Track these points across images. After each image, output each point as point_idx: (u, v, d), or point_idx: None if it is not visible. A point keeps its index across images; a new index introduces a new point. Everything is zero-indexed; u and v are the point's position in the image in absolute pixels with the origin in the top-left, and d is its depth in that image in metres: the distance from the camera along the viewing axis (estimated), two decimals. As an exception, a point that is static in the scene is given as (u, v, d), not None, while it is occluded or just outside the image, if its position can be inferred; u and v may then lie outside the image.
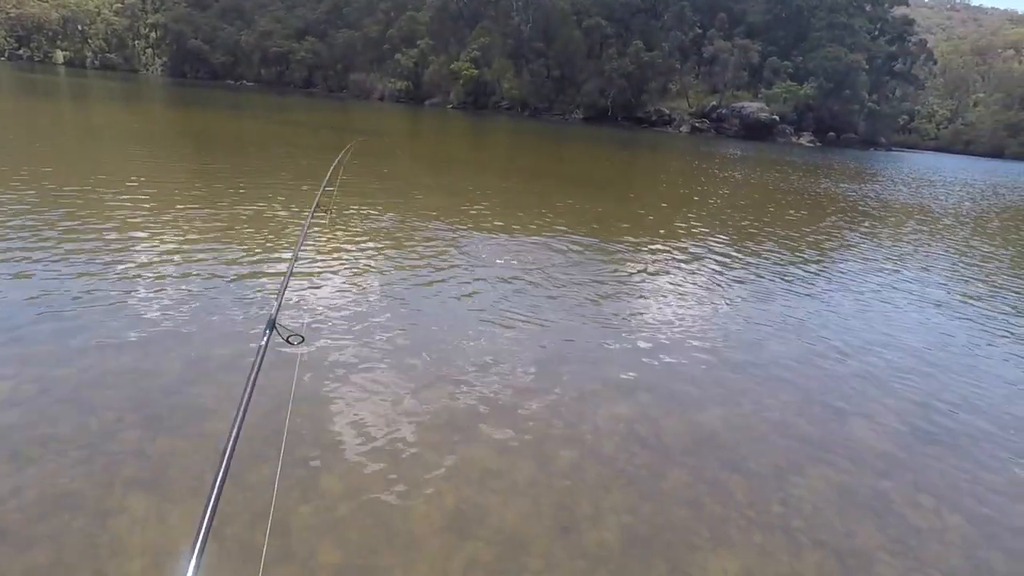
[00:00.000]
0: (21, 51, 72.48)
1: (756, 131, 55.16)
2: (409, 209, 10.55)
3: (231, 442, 1.69)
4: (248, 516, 2.99)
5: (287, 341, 2.43)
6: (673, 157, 31.26)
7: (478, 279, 7.05)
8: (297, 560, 2.80)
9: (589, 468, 3.73)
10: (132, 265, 6.38)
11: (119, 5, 74.86)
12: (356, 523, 3.07)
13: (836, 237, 12.79)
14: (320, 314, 5.55)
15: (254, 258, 7.01)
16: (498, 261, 7.90)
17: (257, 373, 2.01)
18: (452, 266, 7.48)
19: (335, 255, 7.41)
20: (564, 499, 3.43)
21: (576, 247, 8.99)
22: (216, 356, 4.60)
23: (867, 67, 63.89)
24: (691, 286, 7.75)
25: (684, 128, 55.41)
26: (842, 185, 24.52)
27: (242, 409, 1.81)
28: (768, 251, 10.23)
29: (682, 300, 7.15)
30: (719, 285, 7.91)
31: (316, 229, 8.32)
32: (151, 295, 5.65)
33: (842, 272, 9.58)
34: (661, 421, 4.38)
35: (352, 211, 9.86)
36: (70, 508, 2.95)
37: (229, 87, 62.75)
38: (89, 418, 3.65)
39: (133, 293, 5.64)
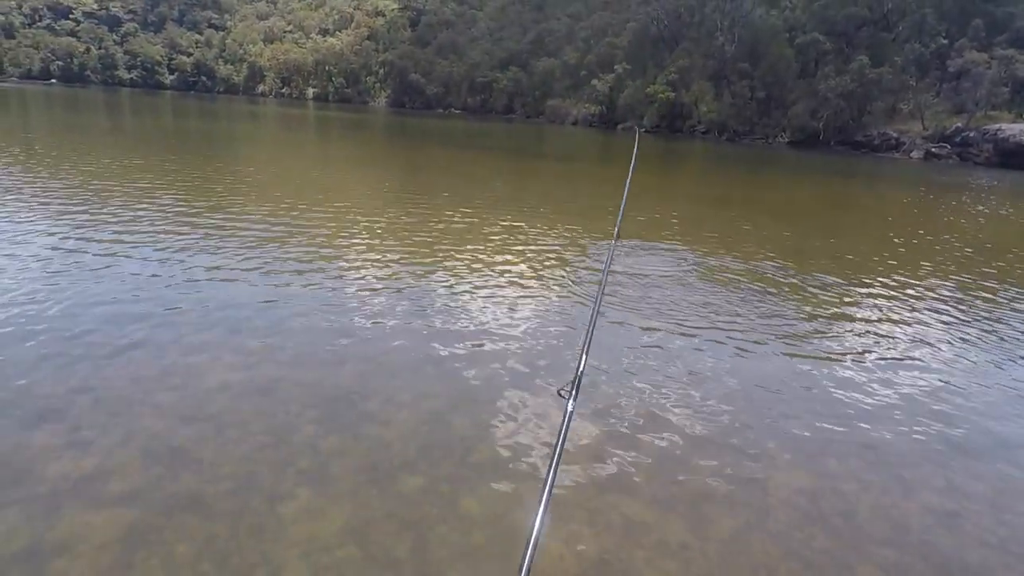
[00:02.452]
0: (284, 90, 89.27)
1: (1016, 157, 45.37)
2: (593, 232, 10.49)
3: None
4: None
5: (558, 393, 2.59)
6: (898, 186, 27.05)
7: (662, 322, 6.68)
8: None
9: (754, 542, 3.22)
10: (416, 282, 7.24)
11: (357, 47, 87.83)
12: (496, 552, 3.00)
13: None
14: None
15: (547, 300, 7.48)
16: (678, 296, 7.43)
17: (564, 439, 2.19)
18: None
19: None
20: (718, 571, 3.00)
21: (771, 285, 8.10)
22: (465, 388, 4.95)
23: None
24: (910, 340, 6.47)
25: (916, 154, 47.65)
26: None
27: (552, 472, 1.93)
28: (1019, 305, 8.19)
29: (895, 355, 5.98)
30: (949, 342, 6.49)
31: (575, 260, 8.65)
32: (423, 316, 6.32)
33: None
34: (853, 499, 3.65)
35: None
36: (249, 486, 3.33)
37: (439, 115, 69.68)
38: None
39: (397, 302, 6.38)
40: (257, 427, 3.87)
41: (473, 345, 5.36)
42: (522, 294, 6.90)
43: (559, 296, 6.94)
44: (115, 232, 8.21)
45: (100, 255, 7.17)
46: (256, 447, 3.66)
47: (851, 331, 6.62)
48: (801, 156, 40.25)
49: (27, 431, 3.67)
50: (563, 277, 7.68)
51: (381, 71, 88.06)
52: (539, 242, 9.53)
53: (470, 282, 7.17)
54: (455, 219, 10.77)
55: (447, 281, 7.15)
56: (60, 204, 9.73)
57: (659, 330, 6.06)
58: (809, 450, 4.14)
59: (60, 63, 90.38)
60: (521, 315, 6.21)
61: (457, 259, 8.14)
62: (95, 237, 7.90)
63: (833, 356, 5.85)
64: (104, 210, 9.53)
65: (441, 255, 8.28)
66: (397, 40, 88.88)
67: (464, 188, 15.87)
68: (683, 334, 6.01)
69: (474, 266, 7.86)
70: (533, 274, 7.73)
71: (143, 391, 4.22)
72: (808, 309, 7.19)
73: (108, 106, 43.36)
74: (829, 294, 7.85)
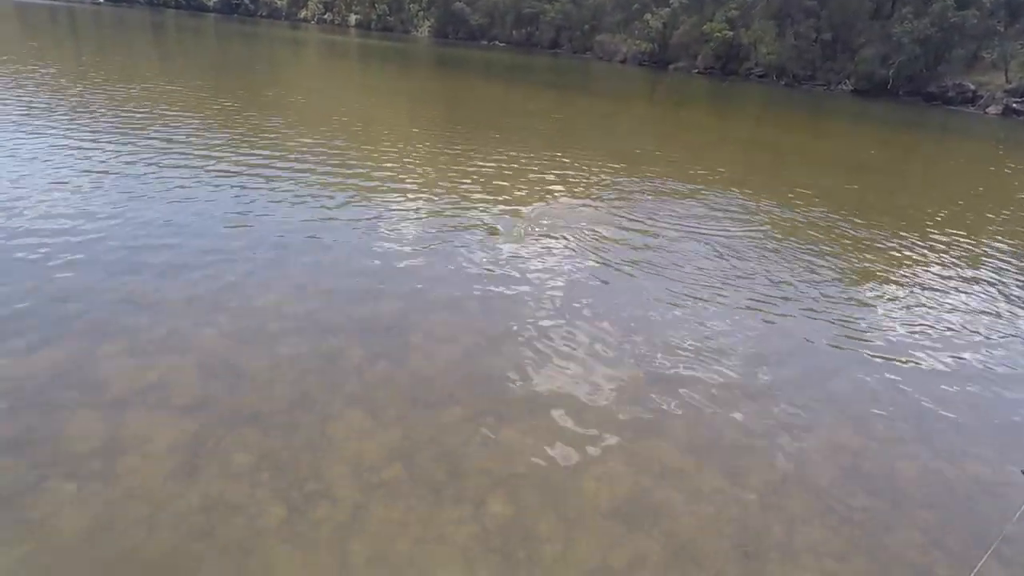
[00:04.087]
0: (327, 15, 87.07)
1: (1108, 116, 41.55)
2: (638, 174, 10.20)
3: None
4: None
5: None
6: (972, 143, 25.32)
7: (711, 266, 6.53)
8: (470, 504, 2.93)
9: (791, 495, 3.24)
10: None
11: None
12: (532, 483, 3.10)
13: None
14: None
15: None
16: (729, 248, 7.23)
17: None
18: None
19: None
20: (753, 520, 3.04)
21: (828, 240, 7.80)
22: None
23: None
24: (967, 300, 6.20)
25: (993, 109, 44.00)
26: None
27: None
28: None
29: (951, 316, 5.76)
30: (1011, 303, 6.19)
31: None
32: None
33: None
34: (897, 463, 3.61)
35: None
36: (302, 405, 3.49)
37: (482, 47, 67.48)
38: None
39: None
40: (307, 351, 4.01)
41: (512, 285, 5.37)
42: (561, 239, 6.81)
43: (598, 240, 6.83)
44: (168, 157, 8.36)
45: (152, 180, 7.34)
46: (307, 370, 3.81)
47: (910, 294, 6.37)
48: (867, 105, 37.82)
49: (94, 342, 3.88)
50: (604, 222, 7.54)
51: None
52: (584, 184, 9.33)
53: (510, 223, 7.11)
54: (498, 159, 10.59)
55: (487, 221, 7.10)
56: (117, 127, 9.91)
57: (698, 287, 5.95)
58: (855, 411, 4.08)
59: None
60: (558, 257, 6.16)
61: (498, 200, 8.06)
62: (150, 161, 8.06)
63: (889, 318, 5.67)
64: (157, 136, 9.68)
65: (483, 194, 8.20)
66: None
67: (510, 126, 15.52)
68: (726, 292, 5.89)
69: (515, 207, 7.77)
70: (577, 218, 7.60)
71: (199, 311, 4.39)
72: (862, 267, 6.92)
73: (154, 27, 43.33)
74: (886, 254, 7.53)
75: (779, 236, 7.68)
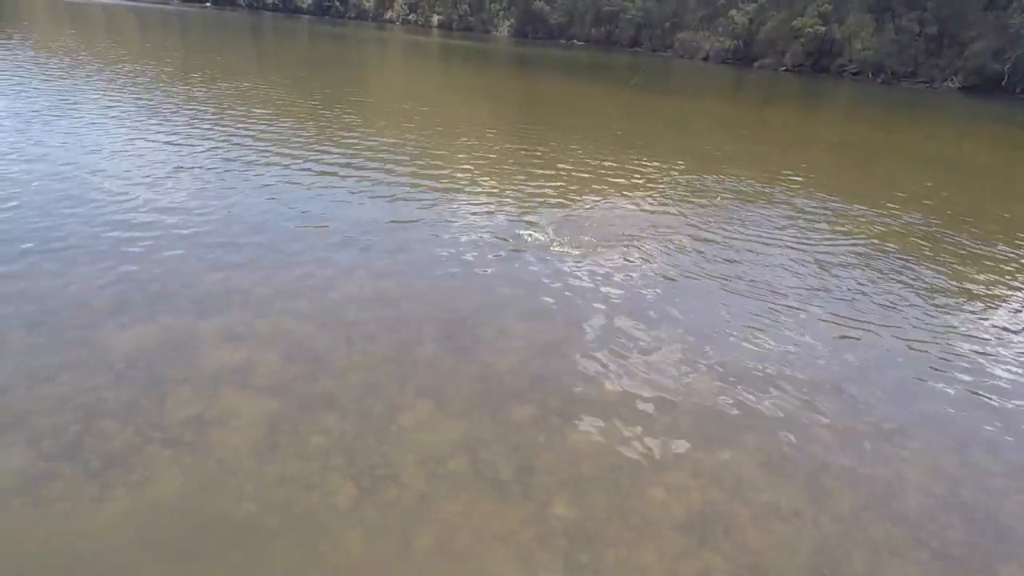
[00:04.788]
0: (411, 16, 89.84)
1: None
2: (716, 175, 9.85)
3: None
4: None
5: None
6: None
7: (799, 275, 6.23)
8: (534, 503, 2.92)
9: (876, 522, 3.03)
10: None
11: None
12: (598, 486, 3.06)
13: None
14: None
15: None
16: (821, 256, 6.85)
17: None
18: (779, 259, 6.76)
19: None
20: (831, 545, 2.86)
21: (929, 246, 7.23)
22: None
23: None
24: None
25: None
26: None
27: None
28: None
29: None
30: None
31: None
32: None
33: None
34: (1003, 498, 3.29)
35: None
36: (374, 394, 3.60)
37: (562, 46, 67.26)
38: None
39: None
40: (383, 340, 4.14)
41: (584, 288, 5.31)
42: (634, 244, 6.67)
43: (672, 245, 6.63)
44: (258, 151, 8.88)
45: (242, 172, 7.82)
46: (381, 359, 3.93)
47: (1015, 310, 5.79)
48: (978, 103, 34.69)
49: (194, 321, 4.18)
50: (679, 223, 7.33)
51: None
52: (659, 186, 9.11)
53: (582, 226, 7.04)
54: (573, 160, 10.52)
55: (560, 223, 7.06)
56: (210, 122, 10.64)
57: (772, 295, 5.66)
58: (954, 434, 3.76)
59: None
60: (632, 262, 6.04)
61: (573, 201, 8.00)
62: (240, 156, 8.60)
63: (994, 336, 5.18)
64: (248, 130, 10.30)
65: (558, 196, 8.17)
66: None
67: (586, 126, 15.39)
68: (808, 303, 5.57)
69: (588, 210, 7.69)
70: (650, 222, 7.43)
71: (284, 297, 4.63)
72: (962, 283, 6.36)
73: (253, 29, 46.16)
74: (993, 267, 6.88)
75: (872, 244, 7.18)
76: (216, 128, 10.06)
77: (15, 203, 5.96)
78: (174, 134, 9.36)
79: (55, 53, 17.96)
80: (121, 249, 5.19)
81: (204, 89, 14.15)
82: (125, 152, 8.12)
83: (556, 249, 6.09)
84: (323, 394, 3.55)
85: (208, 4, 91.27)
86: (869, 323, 5.13)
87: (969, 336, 5.11)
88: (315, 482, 2.92)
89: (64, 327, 3.97)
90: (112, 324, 4.05)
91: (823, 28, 51.68)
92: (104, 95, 12.07)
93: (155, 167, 7.58)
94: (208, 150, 8.61)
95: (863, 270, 6.32)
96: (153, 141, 8.84)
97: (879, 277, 6.17)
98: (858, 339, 4.86)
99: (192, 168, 7.70)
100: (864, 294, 5.70)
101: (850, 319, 5.16)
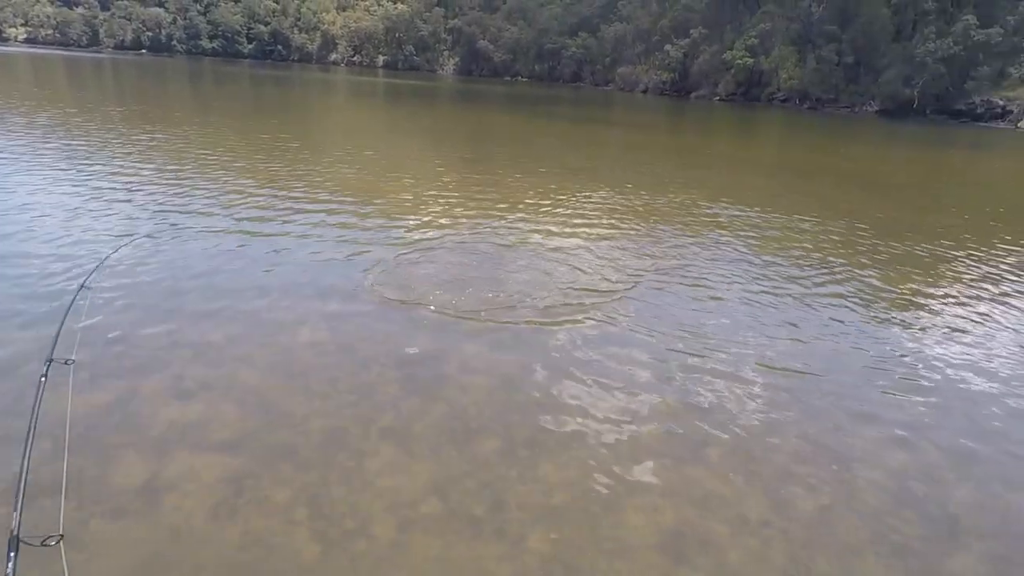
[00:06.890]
0: (355, 57, 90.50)
1: None
2: (685, 206, 10.20)
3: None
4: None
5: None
6: (1004, 157, 24.70)
7: (747, 281, 6.46)
8: (509, 539, 2.88)
9: (839, 523, 3.12)
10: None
11: (427, 14, 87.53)
12: (571, 516, 3.04)
13: None
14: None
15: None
16: (758, 264, 7.14)
17: None
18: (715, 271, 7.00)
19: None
20: (800, 552, 2.92)
21: (863, 258, 7.64)
22: (465, 327, 5.02)
23: None
24: (1009, 326, 5.96)
25: (1025, 123, 43.24)
26: None
27: None
28: None
29: (1001, 335, 5.54)
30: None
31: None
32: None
33: None
34: (951, 488, 3.45)
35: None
36: (339, 442, 3.50)
37: (506, 82, 69.00)
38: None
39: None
40: (343, 385, 4.05)
41: (543, 316, 5.36)
42: (591, 269, 6.81)
43: (627, 267, 6.81)
44: (205, 202, 8.68)
45: (183, 219, 7.62)
46: (343, 404, 3.84)
47: (949, 313, 6.17)
48: (893, 125, 37.35)
49: (137, 379, 3.98)
50: (631, 248, 7.53)
51: (449, 38, 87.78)
52: (613, 217, 9.36)
53: (543, 256, 7.15)
54: (526, 192, 10.72)
55: (515, 251, 7.15)
56: (157, 176, 10.36)
57: (725, 299, 5.86)
58: (903, 435, 3.93)
59: (150, 33, 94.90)
60: (588, 287, 6.15)
61: (526, 230, 8.12)
62: (182, 205, 8.38)
63: (929, 334, 5.49)
64: (196, 180, 10.07)
65: (511, 225, 8.28)
66: (467, 5, 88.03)
67: (537, 158, 15.72)
68: (762, 305, 5.79)
69: (550, 240, 7.82)
70: (606, 249, 7.61)
71: (237, 347, 4.48)
72: (898, 287, 6.74)
73: (192, 75, 45.52)
74: (921, 273, 7.33)
75: (808, 252, 7.55)
76: (159, 177, 9.81)
77: (-61, 264, 5.60)
78: (112, 188, 9.07)
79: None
80: (54, 305, 4.93)
81: (146, 138, 13.80)
82: (63, 205, 7.79)
83: (510, 284, 6.14)
84: (284, 445, 3.43)
85: (144, 52, 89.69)
86: (813, 327, 5.36)
87: (909, 335, 5.40)
88: (278, 541, 2.79)
89: (-4, 394, 3.72)
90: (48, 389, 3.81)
91: (751, 60, 54.96)
92: (35, 150, 11.61)
93: (92, 220, 7.29)
94: (150, 201, 8.37)
95: (803, 282, 6.61)
96: (90, 194, 8.52)
97: (819, 284, 6.48)
98: (806, 343, 5.08)
99: (132, 218, 7.46)
100: (808, 305, 5.95)
101: (795, 326, 5.38)
